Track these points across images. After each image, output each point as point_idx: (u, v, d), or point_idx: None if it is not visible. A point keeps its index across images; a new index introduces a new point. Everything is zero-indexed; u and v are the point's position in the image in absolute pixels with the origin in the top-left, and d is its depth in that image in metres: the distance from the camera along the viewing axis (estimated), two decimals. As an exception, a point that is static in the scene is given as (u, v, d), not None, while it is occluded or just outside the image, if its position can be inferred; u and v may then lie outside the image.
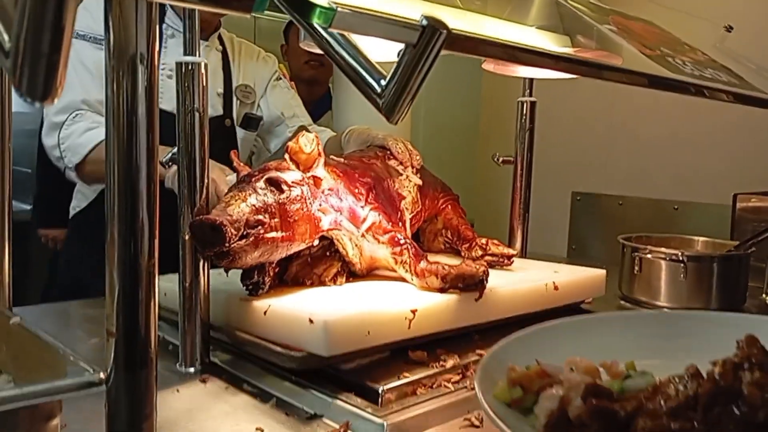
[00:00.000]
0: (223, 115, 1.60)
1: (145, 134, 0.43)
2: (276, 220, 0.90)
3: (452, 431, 0.72)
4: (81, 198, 1.53)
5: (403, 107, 0.39)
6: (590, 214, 2.40)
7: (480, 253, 1.23)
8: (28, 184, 2.92)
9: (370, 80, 0.39)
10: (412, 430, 0.72)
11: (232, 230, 0.83)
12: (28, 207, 2.93)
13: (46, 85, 0.26)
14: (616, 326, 0.77)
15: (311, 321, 0.78)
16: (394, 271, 1.05)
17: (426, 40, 0.37)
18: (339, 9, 0.34)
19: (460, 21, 0.78)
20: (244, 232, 0.86)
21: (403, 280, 1.03)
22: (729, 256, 1.30)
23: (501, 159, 1.41)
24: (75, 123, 1.37)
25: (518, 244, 1.39)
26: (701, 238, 1.46)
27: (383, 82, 0.39)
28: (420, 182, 1.26)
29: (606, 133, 2.45)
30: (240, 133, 1.63)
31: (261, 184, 0.93)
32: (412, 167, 1.27)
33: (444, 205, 1.36)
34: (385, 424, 0.70)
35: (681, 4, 1.32)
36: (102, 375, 0.46)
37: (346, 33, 0.37)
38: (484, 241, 1.24)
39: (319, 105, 2.29)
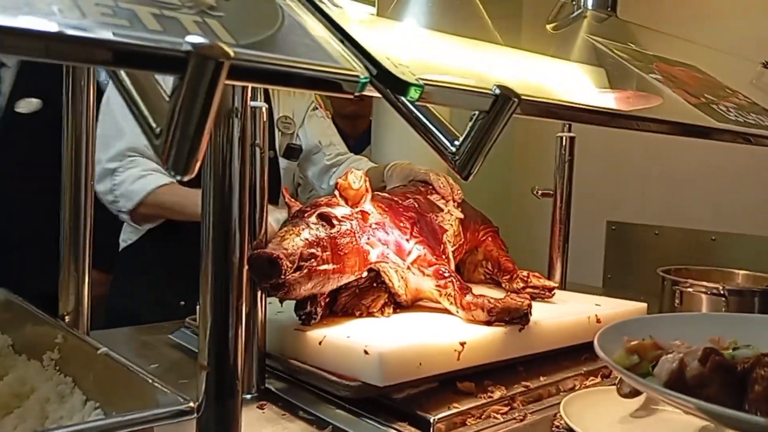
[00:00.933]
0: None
1: (238, 183, 0.47)
2: (327, 253, 0.94)
3: (504, 461, 0.75)
4: (131, 232, 1.59)
5: (475, 165, 0.43)
6: (626, 244, 2.40)
7: (521, 285, 1.26)
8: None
9: (446, 142, 0.43)
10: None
11: (288, 263, 0.88)
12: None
13: (188, 162, 0.31)
14: (718, 321, 0.82)
15: (366, 352, 0.82)
16: (438, 302, 1.08)
17: (498, 107, 0.41)
18: (425, 85, 0.38)
19: (504, 59, 0.82)
20: (299, 265, 0.91)
21: (447, 311, 1.06)
22: (770, 290, 1.31)
23: (540, 192, 1.44)
24: (127, 170, 1.44)
25: (557, 276, 1.42)
26: (741, 271, 1.47)
27: (457, 143, 0.43)
28: (462, 216, 1.30)
29: (641, 163, 2.46)
30: (282, 163, 1.69)
31: (313, 219, 0.97)
32: (454, 201, 1.31)
33: (484, 237, 1.40)
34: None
35: (717, 43, 1.35)
36: (193, 404, 0.50)
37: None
38: (525, 273, 1.27)
39: (360, 140, 2.35)
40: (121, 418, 0.48)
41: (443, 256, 1.14)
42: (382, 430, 0.80)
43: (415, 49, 0.47)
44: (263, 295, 0.93)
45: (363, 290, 1.08)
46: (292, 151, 1.72)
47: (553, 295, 1.24)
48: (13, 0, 0.26)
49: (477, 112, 0.42)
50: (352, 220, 1.00)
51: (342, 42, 0.39)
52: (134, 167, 1.44)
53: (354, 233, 0.99)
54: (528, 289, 1.24)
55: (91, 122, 0.81)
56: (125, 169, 1.44)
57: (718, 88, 0.81)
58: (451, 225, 1.26)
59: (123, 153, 1.44)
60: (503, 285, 1.30)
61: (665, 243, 2.30)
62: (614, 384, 0.92)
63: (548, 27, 1.15)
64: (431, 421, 0.80)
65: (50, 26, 0.26)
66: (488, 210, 1.50)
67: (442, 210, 1.27)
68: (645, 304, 1.21)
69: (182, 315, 1.27)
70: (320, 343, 0.89)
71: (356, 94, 0.37)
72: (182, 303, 1.58)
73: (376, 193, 1.14)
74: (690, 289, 1.31)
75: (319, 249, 0.93)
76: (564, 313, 1.10)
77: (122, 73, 0.33)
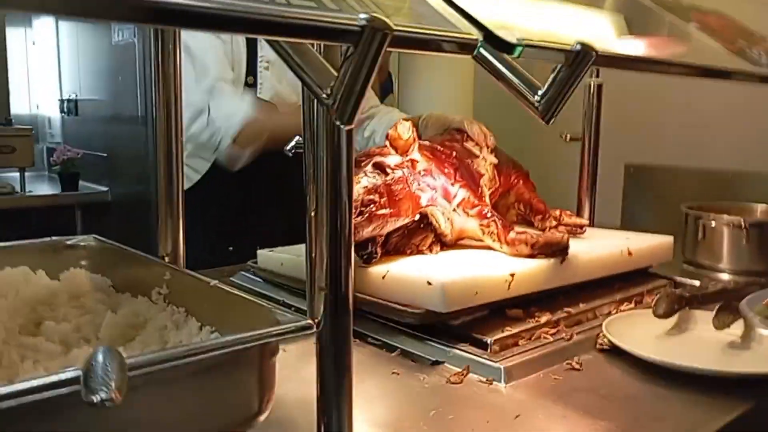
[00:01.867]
0: None
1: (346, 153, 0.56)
2: (384, 198, 1.03)
3: (557, 374, 0.86)
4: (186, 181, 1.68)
5: (556, 112, 0.51)
6: (643, 185, 2.48)
7: (554, 223, 1.35)
8: (103, 167, 3.12)
9: (529, 93, 0.51)
10: (522, 373, 0.85)
11: (353, 209, 0.97)
12: (105, 188, 3.13)
13: (352, 113, 0.39)
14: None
15: (429, 283, 0.92)
16: (481, 240, 1.17)
17: (579, 61, 0.49)
18: (525, 44, 0.46)
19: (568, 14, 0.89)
20: (360, 210, 1.00)
21: (488, 247, 1.16)
22: (789, 221, 1.39)
23: (569, 137, 1.51)
24: (219, 99, 1.52)
25: (586, 215, 1.50)
26: (761, 205, 1.55)
27: (540, 93, 0.51)
28: (496, 161, 1.38)
29: (658, 106, 2.51)
30: None
31: (369, 168, 1.06)
32: (487, 147, 1.39)
33: (516, 181, 1.48)
34: (502, 367, 0.84)
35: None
36: (312, 321, 0.60)
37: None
38: (558, 212, 1.36)
39: (383, 88, 2.42)
40: (253, 333, 0.57)
41: (483, 199, 1.23)
42: (446, 350, 0.90)
43: (497, 8, 0.54)
44: (329, 238, 1.02)
45: (411, 231, 1.17)
46: None
47: (584, 231, 1.33)
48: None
49: (559, 66, 0.50)
50: (403, 168, 1.09)
51: (453, 7, 0.46)
52: (223, 97, 1.52)
53: (406, 180, 1.07)
54: (561, 227, 1.33)
55: (178, 83, 0.88)
56: (216, 99, 1.51)
57: (747, 33, 0.87)
58: (486, 170, 1.34)
59: (210, 88, 1.51)
60: (536, 225, 1.39)
61: (682, 183, 2.37)
62: (650, 307, 1.02)
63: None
64: (488, 342, 0.91)
65: (263, 8, 0.34)
66: (518, 155, 1.57)
67: (477, 156, 1.35)
68: (671, 237, 1.30)
69: (231, 260, 1.37)
70: (383, 278, 0.99)
71: (474, 54, 0.45)
72: (230, 248, 1.69)
73: (420, 141, 1.22)
74: (713, 223, 1.40)
75: (376, 195, 1.02)
76: (598, 246, 1.20)
77: (285, 45, 0.41)
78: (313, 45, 0.43)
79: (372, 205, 1.01)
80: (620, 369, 0.88)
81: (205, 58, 1.51)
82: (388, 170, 1.06)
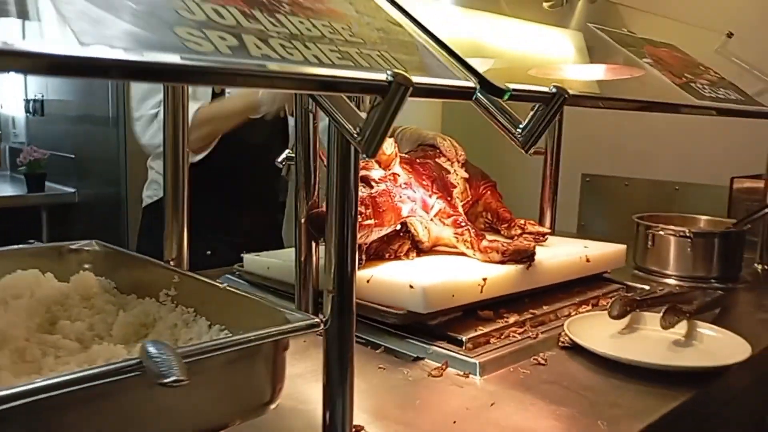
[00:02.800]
0: None
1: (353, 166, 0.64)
2: (369, 210, 1.12)
3: (525, 368, 0.96)
4: (156, 188, 1.73)
5: (534, 143, 0.61)
6: (598, 194, 2.63)
7: (519, 231, 1.46)
8: (71, 168, 3.12)
9: (510, 127, 0.61)
10: (494, 367, 0.95)
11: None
12: (72, 190, 3.13)
13: (376, 149, 0.48)
14: None
15: (411, 287, 1.01)
16: (455, 247, 1.28)
17: (554, 102, 0.59)
18: (512, 88, 0.56)
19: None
20: (348, 219, 1.09)
21: (461, 253, 1.26)
22: (728, 232, 1.54)
23: (532, 150, 1.63)
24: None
25: (548, 224, 1.62)
26: (704, 217, 1.70)
27: (521, 127, 0.61)
28: (467, 175, 1.49)
29: (613, 121, 2.67)
30: (291, 121, 1.84)
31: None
32: (458, 162, 1.50)
33: (484, 191, 1.59)
34: (477, 362, 0.94)
35: (684, 15, 1.53)
36: (318, 320, 0.69)
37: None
38: (522, 221, 1.47)
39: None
40: (265, 331, 0.65)
41: (457, 209, 1.34)
42: (426, 347, 1.00)
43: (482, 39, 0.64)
44: (317, 246, 1.11)
45: (390, 237, 1.26)
46: None
47: (546, 239, 1.45)
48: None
49: (537, 107, 0.60)
50: (386, 181, 1.18)
51: (452, 56, 0.56)
52: None
53: (389, 193, 1.17)
54: (525, 235, 1.44)
55: (185, 100, 0.95)
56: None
57: (694, 66, 0.99)
58: (458, 183, 1.44)
59: (160, 100, 1.57)
60: (502, 232, 1.50)
61: (634, 193, 2.54)
62: (605, 309, 1.14)
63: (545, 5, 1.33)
64: (463, 340, 1.01)
65: (322, 70, 0.43)
66: (485, 165, 1.68)
67: (449, 171, 1.45)
68: (624, 246, 1.43)
69: (210, 264, 1.44)
70: (368, 281, 1.08)
71: (473, 99, 0.54)
72: (208, 252, 1.75)
73: (400, 155, 1.32)
74: (661, 233, 1.53)
75: (363, 207, 1.11)
76: (559, 254, 1.31)
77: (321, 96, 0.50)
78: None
79: (359, 216, 1.10)
80: (580, 364, 0.99)
81: None
82: (373, 183, 1.15)
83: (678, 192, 2.44)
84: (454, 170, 1.46)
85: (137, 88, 1.57)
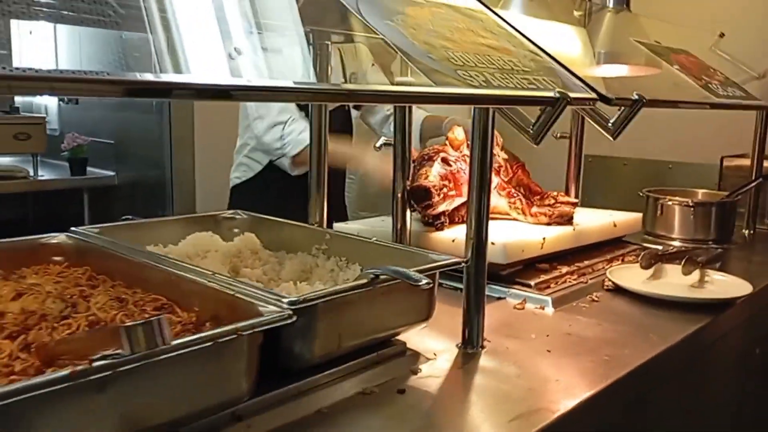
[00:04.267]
0: None
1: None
2: (451, 183, 1.41)
3: (585, 302, 1.26)
4: (245, 170, 2.00)
5: (619, 134, 0.90)
6: (600, 172, 2.95)
7: (552, 202, 1.76)
8: (109, 152, 3.35)
9: (603, 122, 0.90)
10: (561, 303, 1.25)
11: (434, 191, 1.34)
12: (112, 173, 3.35)
13: (540, 140, 0.76)
14: None
15: (493, 243, 1.30)
16: (508, 214, 1.57)
17: (635, 107, 0.87)
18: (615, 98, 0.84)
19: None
20: (438, 193, 1.37)
21: (512, 219, 1.55)
22: (724, 202, 1.86)
23: (559, 135, 1.92)
24: (294, 123, 1.84)
25: (573, 196, 1.92)
26: (701, 190, 2.01)
27: (611, 122, 0.90)
28: (506, 156, 1.78)
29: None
30: (353, 113, 2.12)
31: (439, 161, 1.43)
32: (499, 146, 1.79)
33: (516, 170, 1.88)
34: (550, 299, 1.23)
35: (679, 19, 1.81)
36: (460, 258, 0.97)
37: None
38: (554, 193, 1.76)
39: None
40: (434, 264, 0.94)
41: (509, 183, 1.63)
42: (505, 290, 1.29)
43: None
44: (411, 213, 1.39)
45: (458, 206, 1.55)
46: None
47: (575, 209, 1.75)
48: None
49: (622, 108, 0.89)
50: (459, 161, 1.47)
51: (570, 73, 0.84)
52: (299, 121, 1.84)
53: (462, 170, 1.45)
54: (557, 204, 1.74)
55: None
56: (293, 122, 1.84)
57: (705, 68, 1.28)
58: (502, 163, 1.73)
59: (287, 109, 1.83)
60: (535, 204, 1.80)
61: (632, 172, 2.86)
62: (632, 264, 1.45)
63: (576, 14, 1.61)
64: (531, 284, 1.30)
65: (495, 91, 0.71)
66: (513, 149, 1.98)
67: (495, 154, 1.74)
68: (641, 214, 1.74)
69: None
70: (453, 241, 1.37)
71: (588, 108, 0.82)
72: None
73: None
74: (669, 203, 1.84)
75: (447, 181, 1.39)
76: (592, 219, 1.61)
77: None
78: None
79: (445, 188, 1.39)
80: (622, 301, 1.30)
81: None
82: (451, 162, 1.44)
83: (671, 170, 2.76)
84: (497, 152, 1.75)
85: None
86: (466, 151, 1.52)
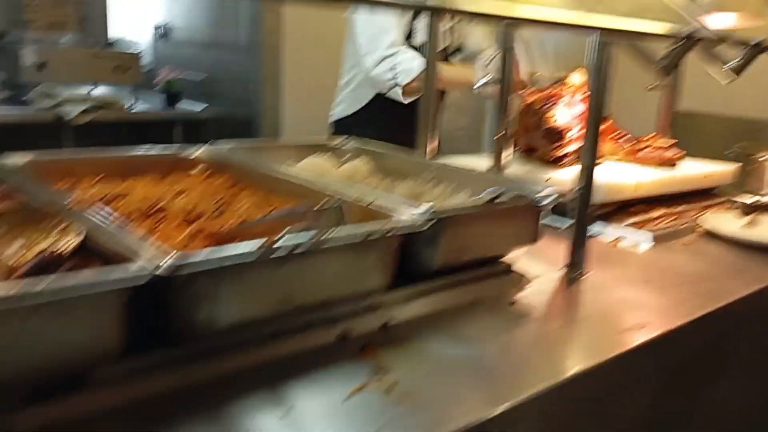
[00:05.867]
0: None
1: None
2: (581, 124, 1.46)
3: (678, 244, 1.31)
4: (346, 107, 2.08)
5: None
6: (687, 129, 2.90)
7: (644, 146, 1.78)
8: (200, 88, 3.49)
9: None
10: (657, 243, 1.30)
11: (566, 132, 1.41)
12: (202, 107, 3.50)
13: (669, 72, 0.80)
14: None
15: (594, 182, 1.35)
16: (615, 155, 1.62)
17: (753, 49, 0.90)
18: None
19: None
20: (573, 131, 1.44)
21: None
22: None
23: (649, 87, 1.92)
24: (402, 54, 1.91)
25: (666, 146, 1.93)
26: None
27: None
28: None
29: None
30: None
31: (564, 104, 1.49)
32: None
33: (605, 120, 1.90)
34: (649, 234, 1.28)
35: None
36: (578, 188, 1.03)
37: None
38: (647, 137, 1.78)
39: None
40: (539, 193, 1.00)
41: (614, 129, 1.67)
42: (599, 229, 1.34)
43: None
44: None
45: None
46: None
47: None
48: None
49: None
50: (580, 104, 1.52)
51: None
52: (407, 52, 1.91)
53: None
54: (662, 148, 1.76)
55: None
56: (402, 53, 1.90)
57: None
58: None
59: (395, 43, 1.90)
60: (627, 148, 1.82)
61: (717, 128, 2.82)
62: (728, 209, 1.47)
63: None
64: (625, 224, 1.35)
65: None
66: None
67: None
68: (733, 165, 1.74)
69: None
70: (547, 180, 1.42)
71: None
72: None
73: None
74: (759, 158, 1.84)
75: (576, 120, 1.46)
76: (688, 168, 1.63)
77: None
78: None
79: (578, 127, 1.45)
80: (715, 244, 1.33)
81: (386, 21, 1.89)
82: (575, 106, 1.49)
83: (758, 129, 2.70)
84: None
85: (366, 29, 1.91)
86: (580, 96, 1.56)
